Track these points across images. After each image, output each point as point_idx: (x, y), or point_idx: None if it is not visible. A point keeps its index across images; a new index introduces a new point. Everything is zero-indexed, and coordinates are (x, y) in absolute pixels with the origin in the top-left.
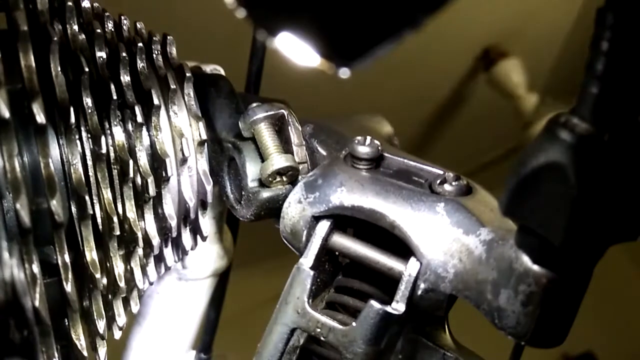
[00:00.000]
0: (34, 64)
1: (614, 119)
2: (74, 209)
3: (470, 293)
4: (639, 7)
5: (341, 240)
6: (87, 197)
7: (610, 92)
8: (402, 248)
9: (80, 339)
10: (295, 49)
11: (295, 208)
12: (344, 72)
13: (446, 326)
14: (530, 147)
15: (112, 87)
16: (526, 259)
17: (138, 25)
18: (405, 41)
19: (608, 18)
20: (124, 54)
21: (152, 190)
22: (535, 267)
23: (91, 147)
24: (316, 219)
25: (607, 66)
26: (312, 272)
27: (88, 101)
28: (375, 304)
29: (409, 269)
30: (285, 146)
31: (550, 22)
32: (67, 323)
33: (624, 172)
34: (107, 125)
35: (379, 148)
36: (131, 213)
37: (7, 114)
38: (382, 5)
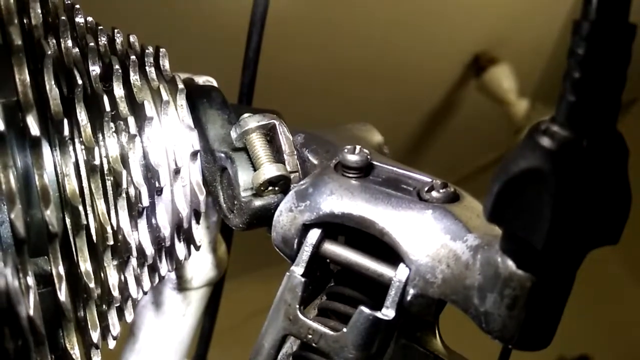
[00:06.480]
0: (28, 78)
1: (592, 126)
2: (68, 220)
3: (457, 298)
4: (613, 18)
5: (332, 248)
6: (81, 208)
7: (586, 99)
8: (391, 255)
9: (74, 349)
10: None
11: (287, 216)
12: None
13: (437, 331)
14: (512, 154)
15: (106, 99)
16: (511, 264)
17: (131, 39)
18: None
19: (584, 28)
20: (117, 67)
21: (145, 201)
22: (520, 272)
23: (85, 158)
24: (307, 227)
25: (583, 75)
26: (303, 279)
27: (82, 114)
28: (365, 310)
29: (398, 275)
30: (277, 156)
31: (540, 28)
32: (61, 333)
33: (602, 177)
34: (101, 137)
35: (368, 157)
36: (125, 223)
37: (2, 127)
38: None
